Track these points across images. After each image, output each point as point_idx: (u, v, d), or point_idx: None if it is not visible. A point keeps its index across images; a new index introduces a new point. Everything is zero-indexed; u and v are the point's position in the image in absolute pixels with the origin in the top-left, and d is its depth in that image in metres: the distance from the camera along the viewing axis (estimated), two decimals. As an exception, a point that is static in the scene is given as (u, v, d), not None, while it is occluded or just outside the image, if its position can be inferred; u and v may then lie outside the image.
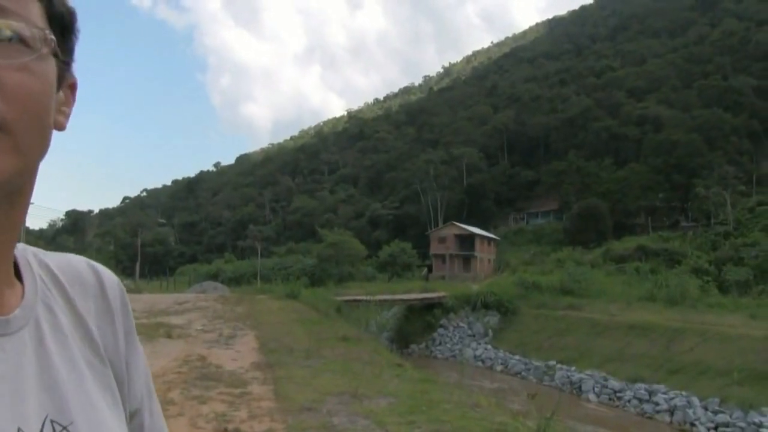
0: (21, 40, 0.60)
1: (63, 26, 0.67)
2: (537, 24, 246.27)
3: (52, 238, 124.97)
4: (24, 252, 0.74)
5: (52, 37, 0.64)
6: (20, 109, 0.59)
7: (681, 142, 63.87)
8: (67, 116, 0.68)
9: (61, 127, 0.66)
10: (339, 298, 33.41)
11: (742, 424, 19.22)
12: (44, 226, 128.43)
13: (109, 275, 0.83)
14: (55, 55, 0.65)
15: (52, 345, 0.70)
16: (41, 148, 0.63)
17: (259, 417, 6.64)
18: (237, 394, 7.77)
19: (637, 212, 64.75)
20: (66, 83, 0.69)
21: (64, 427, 0.66)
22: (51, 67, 0.64)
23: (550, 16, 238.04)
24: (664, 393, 23.08)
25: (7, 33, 0.59)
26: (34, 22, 0.62)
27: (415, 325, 40.61)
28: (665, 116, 73.95)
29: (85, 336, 0.75)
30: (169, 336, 12.94)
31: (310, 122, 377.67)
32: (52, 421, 0.65)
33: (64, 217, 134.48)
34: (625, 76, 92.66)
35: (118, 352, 0.79)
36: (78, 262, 0.81)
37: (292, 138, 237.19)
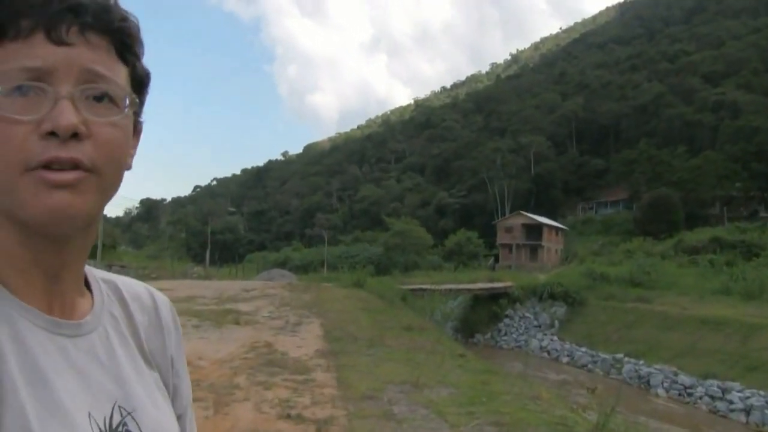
0: (111, 100, 0.72)
1: (140, 86, 0.79)
2: (607, 8, 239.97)
3: (128, 226, 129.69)
4: (91, 270, 0.87)
5: (137, 100, 0.77)
6: (106, 157, 0.71)
7: (761, 128, 61.25)
8: (133, 156, 0.80)
9: (129, 168, 0.78)
10: (404, 287, 33.53)
11: (824, 425, 18.48)
12: (120, 213, 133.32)
13: (162, 297, 0.97)
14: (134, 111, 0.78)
15: (117, 346, 0.83)
16: (117, 187, 0.76)
17: (321, 404, 6.82)
18: (301, 381, 7.97)
19: (711, 202, 62.55)
20: (136, 130, 0.81)
21: (129, 413, 0.78)
22: (130, 121, 0.76)
23: (622, 0, 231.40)
24: (740, 391, 22.30)
25: (101, 94, 0.72)
26: (122, 85, 0.74)
27: (481, 315, 40.48)
28: (744, 101, 71.04)
29: (138, 343, 0.88)
30: (237, 322, 13.32)
31: (376, 111, 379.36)
32: (120, 407, 0.77)
33: (138, 206, 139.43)
34: (700, 60, 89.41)
35: (166, 361, 0.92)
36: (137, 284, 0.95)
37: (359, 127, 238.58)
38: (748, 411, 21.20)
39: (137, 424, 0.78)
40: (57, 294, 0.77)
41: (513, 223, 67.01)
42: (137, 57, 0.78)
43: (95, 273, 0.89)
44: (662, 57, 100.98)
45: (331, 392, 7.40)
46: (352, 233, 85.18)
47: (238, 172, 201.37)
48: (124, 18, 0.76)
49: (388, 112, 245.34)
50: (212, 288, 22.22)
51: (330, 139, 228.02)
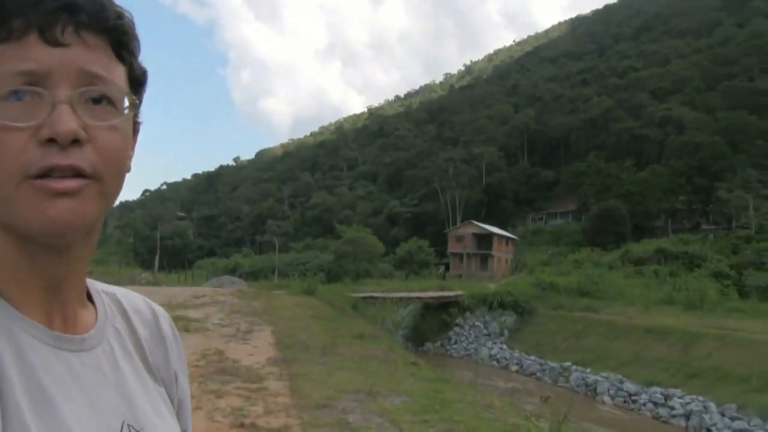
0: (109, 102, 0.70)
1: (138, 85, 0.77)
2: (560, 23, 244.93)
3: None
4: (93, 282, 0.85)
5: (137, 101, 0.76)
6: (107, 162, 0.69)
7: (704, 144, 63.25)
8: (131, 158, 0.77)
9: (128, 170, 0.76)
10: (355, 295, 33.44)
11: (761, 432, 19.06)
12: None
13: (162, 311, 0.94)
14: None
15: (122, 361, 0.81)
16: (119, 192, 0.73)
17: (275, 412, 6.72)
18: (253, 389, 7.85)
19: (657, 214, 64.23)
20: (134, 130, 0.78)
21: (138, 431, 0.76)
22: (130, 123, 0.74)
23: (573, 15, 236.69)
24: (681, 397, 22.91)
25: (100, 96, 0.70)
26: (120, 86, 0.72)
27: (431, 324, 40.60)
28: (688, 118, 73.23)
29: (143, 357, 0.86)
30: (186, 329, 13.05)
31: (330, 118, 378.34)
32: (128, 426, 0.75)
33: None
34: (648, 76, 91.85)
35: (170, 375, 0.90)
36: (136, 296, 0.93)
37: (312, 134, 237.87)
38: (687, 416, 21.78)
39: None
40: (58, 306, 0.75)
41: (464, 232, 67.53)
42: (134, 55, 0.76)
43: (96, 285, 0.86)
44: (612, 72, 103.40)
45: (284, 401, 7.30)
46: (303, 240, 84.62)
47: (188, 176, 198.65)
48: (120, 15, 0.73)
49: (342, 120, 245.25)
50: (161, 294, 21.76)
51: (282, 146, 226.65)
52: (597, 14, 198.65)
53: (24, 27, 0.66)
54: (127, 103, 0.72)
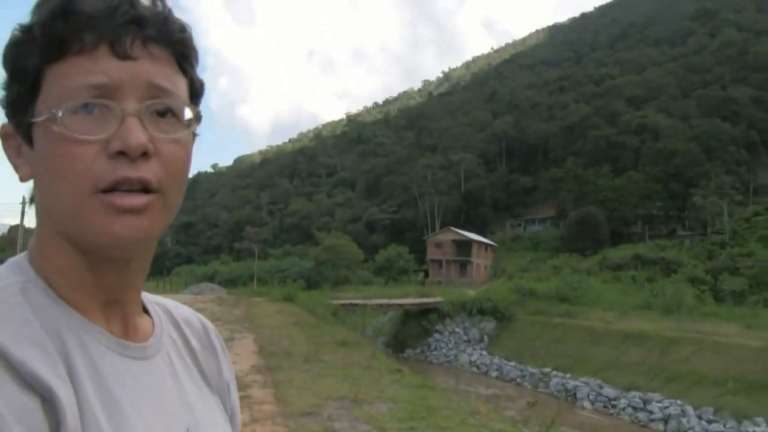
0: (173, 115, 0.71)
1: (197, 97, 0.78)
2: (537, 31, 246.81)
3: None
4: (144, 293, 0.85)
5: (201, 114, 0.76)
6: (172, 175, 0.70)
7: (679, 151, 64.09)
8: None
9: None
10: (335, 302, 33.41)
11: (736, 434, 19.32)
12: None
13: (209, 322, 0.95)
14: None
15: (180, 370, 0.82)
16: (179, 204, 0.74)
17: (261, 420, 6.69)
18: (238, 398, 7.81)
19: (634, 220, 64.88)
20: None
21: None
22: (191, 135, 0.75)
23: (551, 23, 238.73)
24: (659, 401, 23.17)
25: (165, 109, 0.70)
26: (183, 99, 0.73)
27: (411, 330, 40.62)
28: (664, 125, 74.13)
29: (198, 366, 0.87)
30: (168, 338, 12.95)
31: (308, 125, 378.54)
32: None
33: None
34: (624, 84, 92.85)
35: (222, 385, 0.91)
36: (184, 307, 0.94)
37: (290, 141, 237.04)
38: (666, 420, 22.05)
39: None
40: (117, 315, 0.76)
41: (443, 239, 67.64)
42: (194, 68, 0.77)
43: (147, 296, 0.87)
44: (589, 80, 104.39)
45: (270, 409, 7.28)
46: (282, 247, 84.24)
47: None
48: (183, 28, 0.74)
49: (320, 127, 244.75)
50: (140, 302, 21.55)
51: (261, 152, 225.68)
52: (574, 22, 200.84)
53: (95, 40, 0.67)
54: (189, 115, 0.73)
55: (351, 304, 34.04)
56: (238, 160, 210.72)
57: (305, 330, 17.71)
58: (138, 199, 0.67)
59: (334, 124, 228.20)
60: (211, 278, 56.80)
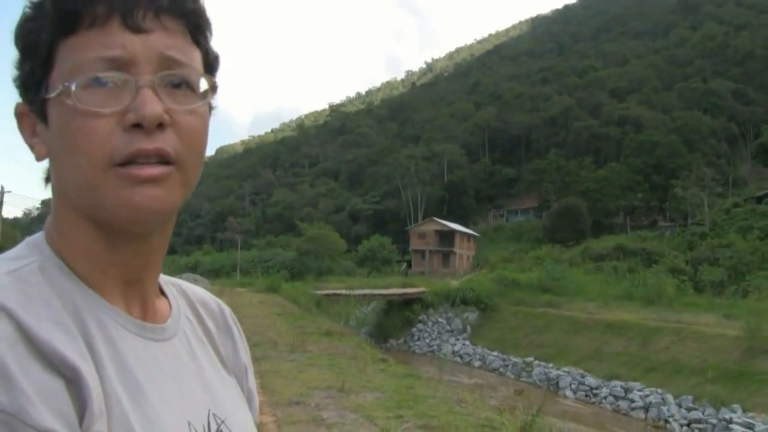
0: (189, 86, 0.70)
1: (212, 69, 0.77)
2: (520, 22, 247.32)
3: (27, 227, 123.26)
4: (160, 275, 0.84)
5: (217, 84, 0.75)
6: (189, 146, 0.69)
7: (661, 143, 64.66)
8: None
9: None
10: (319, 292, 33.42)
11: (714, 421, 19.56)
12: (19, 214, 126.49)
13: (226, 306, 0.95)
14: None
15: (198, 351, 0.82)
16: (198, 178, 0.73)
17: (247, 410, 6.68)
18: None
19: (615, 212, 65.43)
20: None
21: (223, 421, 0.76)
22: (207, 107, 0.74)
23: (534, 15, 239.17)
24: (640, 390, 23.39)
25: (180, 80, 0.70)
26: (198, 70, 0.72)
27: (394, 320, 40.70)
28: (645, 117, 74.76)
29: (215, 348, 0.87)
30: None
31: (291, 115, 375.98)
32: (213, 415, 0.76)
33: (40, 206, 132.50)
34: (606, 76, 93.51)
35: (239, 367, 0.90)
36: (200, 289, 0.93)
37: (273, 131, 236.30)
38: (647, 408, 22.27)
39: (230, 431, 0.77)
40: (135, 296, 0.76)
41: (426, 229, 67.82)
42: (208, 40, 0.76)
43: (163, 277, 0.85)
44: (571, 72, 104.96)
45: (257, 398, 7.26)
46: (265, 238, 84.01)
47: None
48: (196, 0, 0.73)
49: (303, 117, 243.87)
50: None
51: (243, 143, 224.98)
52: (557, 14, 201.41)
53: (107, 13, 0.66)
54: (205, 86, 0.72)
55: (334, 295, 34.08)
56: (220, 150, 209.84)
57: (290, 320, 17.71)
58: (155, 170, 0.66)
59: (316, 114, 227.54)
60: (193, 269, 56.48)
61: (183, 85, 0.70)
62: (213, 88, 0.73)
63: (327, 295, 33.32)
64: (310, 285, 38.49)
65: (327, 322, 19.60)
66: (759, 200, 51.98)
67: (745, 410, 19.44)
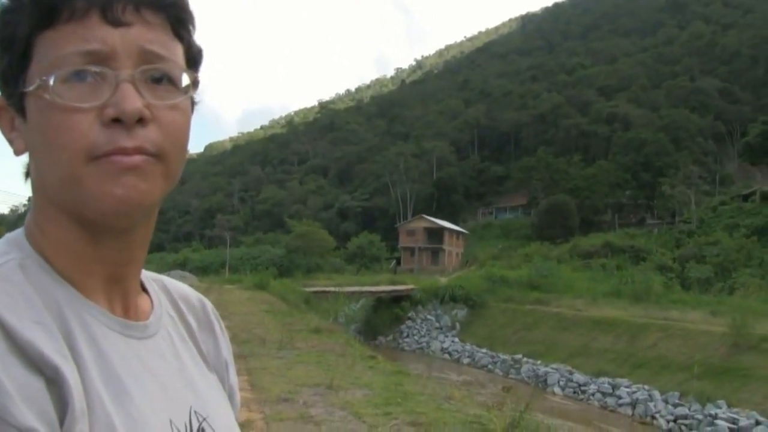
0: (170, 81, 0.69)
1: (195, 64, 0.76)
2: (510, 20, 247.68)
3: (14, 224, 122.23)
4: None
5: (199, 79, 0.73)
6: (171, 141, 0.68)
7: (649, 141, 64.99)
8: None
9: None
10: (307, 289, 33.38)
11: (699, 417, 19.70)
12: (6, 211, 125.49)
13: (208, 302, 0.93)
14: None
15: (180, 349, 0.81)
16: (180, 173, 0.72)
17: (236, 407, 6.67)
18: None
19: (604, 209, 65.67)
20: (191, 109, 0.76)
21: (204, 419, 0.76)
22: (190, 102, 0.73)
23: (524, 12, 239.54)
24: (627, 387, 23.53)
25: (161, 75, 0.69)
26: (180, 65, 0.71)
27: (383, 318, 40.71)
28: (634, 115, 75.11)
29: (196, 344, 0.86)
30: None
31: (280, 112, 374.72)
32: (195, 412, 0.75)
33: (27, 203, 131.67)
34: (595, 74, 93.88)
35: (221, 364, 0.89)
36: (182, 285, 0.92)
37: (262, 127, 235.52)
38: (634, 405, 22.41)
39: (212, 429, 0.77)
40: (117, 293, 0.74)
41: (415, 226, 67.84)
42: (191, 33, 0.75)
43: (145, 273, 0.84)
44: (561, 69, 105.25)
45: (245, 395, 7.25)
46: (253, 235, 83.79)
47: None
48: None
49: (292, 113, 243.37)
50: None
51: (232, 139, 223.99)
52: (546, 12, 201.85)
53: (86, 7, 0.65)
54: (187, 81, 0.71)
55: (323, 292, 34.06)
56: (209, 147, 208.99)
57: (278, 317, 17.68)
58: (136, 158, 0.65)
59: (306, 111, 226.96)
60: (182, 266, 56.35)
61: (164, 80, 0.69)
62: (195, 83, 0.72)
63: (316, 292, 33.29)
64: (298, 282, 38.44)
65: (316, 319, 19.59)
66: (745, 198, 52.35)
67: (730, 406, 19.64)
